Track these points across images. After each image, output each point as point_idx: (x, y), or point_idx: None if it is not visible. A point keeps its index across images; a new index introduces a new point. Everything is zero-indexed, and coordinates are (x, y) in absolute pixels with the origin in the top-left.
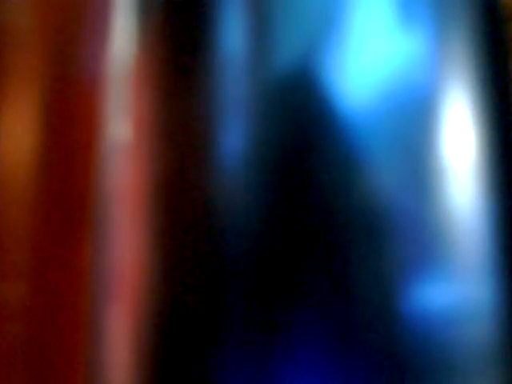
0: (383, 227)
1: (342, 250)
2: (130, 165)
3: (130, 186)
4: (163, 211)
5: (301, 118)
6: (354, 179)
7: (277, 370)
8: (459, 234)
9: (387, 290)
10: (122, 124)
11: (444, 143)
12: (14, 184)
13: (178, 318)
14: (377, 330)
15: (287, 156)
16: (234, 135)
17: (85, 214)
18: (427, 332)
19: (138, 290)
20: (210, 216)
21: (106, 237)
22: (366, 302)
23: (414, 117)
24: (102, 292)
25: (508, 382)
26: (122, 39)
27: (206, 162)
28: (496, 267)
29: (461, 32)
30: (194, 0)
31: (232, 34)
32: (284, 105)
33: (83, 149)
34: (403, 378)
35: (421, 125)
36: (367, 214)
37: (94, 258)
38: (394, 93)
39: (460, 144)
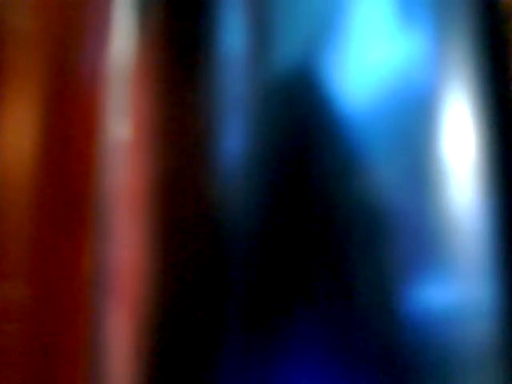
0: (384, 227)
1: (342, 249)
2: (130, 163)
3: (130, 185)
4: (163, 210)
5: (301, 116)
6: (354, 179)
7: (278, 371)
8: (459, 234)
9: (387, 290)
10: (121, 123)
11: (444, 143)
12: (13, 183)
13: (178, 317)
14: (377, 330)
15: (288, 155)
16: (235, 134)
17: (85, 213)
18: (428, 332)
19: (139, 289)
20: (210, 214)
21: (107, 236)
22: (366, 303)
23: (413, 116)
24: (103, 291)
25: (508, 382)
26: (122, 39)
27: (206, 160)
28: (496, 267)
29: (461, 32)
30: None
31: (232, 34)
32: (284, 104)
33: (83, 148)
34: (404, 378)
35: (421, 124)
36: (368, 213)
37: (95, 257)
38: (394, 92)
39: (460, 144)
